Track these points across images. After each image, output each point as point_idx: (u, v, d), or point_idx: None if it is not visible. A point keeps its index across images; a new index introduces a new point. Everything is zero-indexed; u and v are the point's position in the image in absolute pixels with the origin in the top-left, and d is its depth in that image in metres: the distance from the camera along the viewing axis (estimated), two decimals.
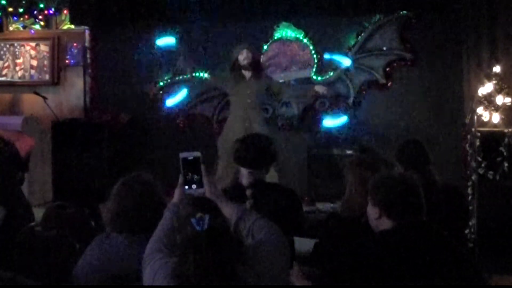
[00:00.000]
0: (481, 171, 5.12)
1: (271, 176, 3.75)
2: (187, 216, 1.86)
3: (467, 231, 4.88)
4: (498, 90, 5.38)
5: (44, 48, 7.21)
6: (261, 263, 1.95)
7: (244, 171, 3.17)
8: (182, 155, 2.27)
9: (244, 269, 1.87)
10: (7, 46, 7.32)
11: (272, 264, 1.99)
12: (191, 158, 2.27)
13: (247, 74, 5.66)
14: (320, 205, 5.80)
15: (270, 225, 2.16)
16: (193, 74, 6.63)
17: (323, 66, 6.46)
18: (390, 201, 2.35)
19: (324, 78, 6.45)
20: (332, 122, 6.36)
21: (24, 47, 7.27)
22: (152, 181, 2.49)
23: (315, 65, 6.47)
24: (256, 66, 5.72)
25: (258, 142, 3.23)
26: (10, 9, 7.03)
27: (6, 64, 7.34)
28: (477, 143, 5.17)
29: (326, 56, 6.38)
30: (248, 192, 3.12)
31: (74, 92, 7.15)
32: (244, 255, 1.93)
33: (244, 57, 5.61)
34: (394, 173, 2.58)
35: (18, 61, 7.30)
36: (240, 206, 2.29)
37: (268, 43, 6.56)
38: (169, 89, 6.74)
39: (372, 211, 2.43)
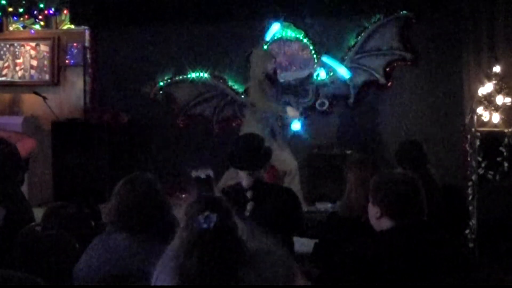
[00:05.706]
0: (481, 171, 5.11)
1: None
2: (195, 214, 1.86)
3: (467, 231, 4.88)
4: (498, 90, 5.38)
5: (44, 48, 7.21)
6: (266, 269, 1.95)
7: (243, 174, 3.16)
8: (195, 174, 2.47)
9: (246, 271, 1.86)
10: (7, 46, 7.31)
11: (275, 272, 1.98)
12: (204, 177, 2.45)
13: (269, 84, 5.41)
14: (320, 205, 5.80)
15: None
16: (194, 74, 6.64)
17: (323, 66, 6.47)
18: (391, 201, 2.35)
19: (324, 78, 6.45)
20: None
21: (24, 47, 7.27)
22: (154, 181, 2.49)
23: (315, 65, 6.47)
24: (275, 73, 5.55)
25: (251, 143, 3.22)
26: (10, 9, 7.01)
27: (6, 64, 7.33)
28: (477, 143, 5.16)
29: (324, 59, 6.34)
30: (249, 194, 3.12)
31: (74, 92, 7.14)
32: (249, 258, 1.93)
33: (272, 65, 5.40)
34: (395, 173, 2.58)
35: (18, 61, 7.30)
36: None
37: (268, 43, 6.56)
38: (169, 89, 6.74)
39: (372, 211, 2.43)
